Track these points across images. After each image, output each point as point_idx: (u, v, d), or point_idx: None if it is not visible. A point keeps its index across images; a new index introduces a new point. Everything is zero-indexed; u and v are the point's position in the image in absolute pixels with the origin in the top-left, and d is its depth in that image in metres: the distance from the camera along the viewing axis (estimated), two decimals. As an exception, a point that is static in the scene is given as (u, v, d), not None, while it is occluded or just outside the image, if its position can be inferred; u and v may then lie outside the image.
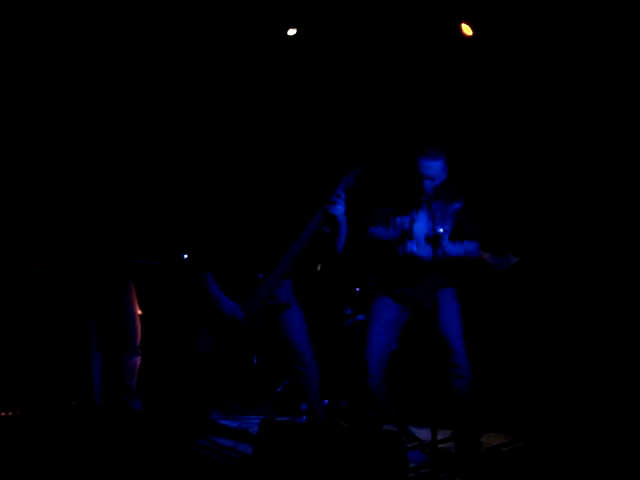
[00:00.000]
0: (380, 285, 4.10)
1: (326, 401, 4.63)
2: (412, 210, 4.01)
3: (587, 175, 4.85)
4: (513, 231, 4.67)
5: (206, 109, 5.42)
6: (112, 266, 4.51)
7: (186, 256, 5.15)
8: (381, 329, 4.05)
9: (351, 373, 4.84)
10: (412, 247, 3.94)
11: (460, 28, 4.95)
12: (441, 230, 3.77)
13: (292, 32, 5.05)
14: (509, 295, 4.77)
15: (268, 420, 4.06)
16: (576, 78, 4.88)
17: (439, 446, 3.78)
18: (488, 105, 5.21)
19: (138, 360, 4.56)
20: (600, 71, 4.80)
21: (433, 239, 3.74)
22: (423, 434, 4.41)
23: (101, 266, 4.50)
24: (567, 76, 4.90)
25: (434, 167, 3.88)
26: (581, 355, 4.65)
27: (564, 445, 4.23)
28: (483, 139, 5.19)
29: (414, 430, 4.57)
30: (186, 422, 4.21)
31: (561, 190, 4.92)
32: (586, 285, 4.79)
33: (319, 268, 4.99)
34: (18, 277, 4.61)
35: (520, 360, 4.77)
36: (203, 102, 5.40)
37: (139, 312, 4.58)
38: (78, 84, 5.04)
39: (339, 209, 3.74)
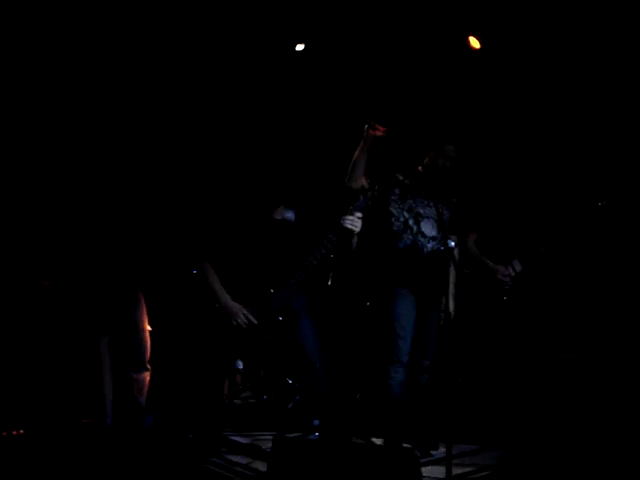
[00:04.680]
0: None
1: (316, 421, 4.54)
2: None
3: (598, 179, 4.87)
4: (519, 236, 4.68)
5: (220, 126, 5.43)
6: (121, 282, 4.50)
7: (196, 272, 5.14)
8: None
9: (365, 385, 4.83)
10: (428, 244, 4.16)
11: (468, 41, 5.00)
12: (453, 244, 3.79)
13: (300, 47, 5.07)
14: (516, 303, 4.73)
15: (281, 436, 4.06)
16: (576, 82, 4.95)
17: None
18: (492, 108, 5.27)
19: (147, 376, 4.54)
20: (601, 74, 4.86)
21: (445, 252, 3.75)
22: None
23: (110, 282, 4.49)
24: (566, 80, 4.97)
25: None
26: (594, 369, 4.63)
27: (574, 458, 4.21)
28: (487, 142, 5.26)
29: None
30: (198, 439, 4.18)
31: (573, 192, 4.91)
32: (599, 292, 4.78)
33: (330, 283, 4.98)
34: (27, 295, 4.59)
35: (526, 371, 4.75)
36: (215, 119, 5.41)
37: (149, 328, 4.56)
38: (102, 104, 5.05)
39: (357, 226, 3.78)
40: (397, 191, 4.18)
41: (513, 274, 4.53)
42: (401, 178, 4.21)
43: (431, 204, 4.21)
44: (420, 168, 4.31)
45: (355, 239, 3.91)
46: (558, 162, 5.10)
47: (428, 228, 4.20)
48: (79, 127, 5.00)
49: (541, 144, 5.19)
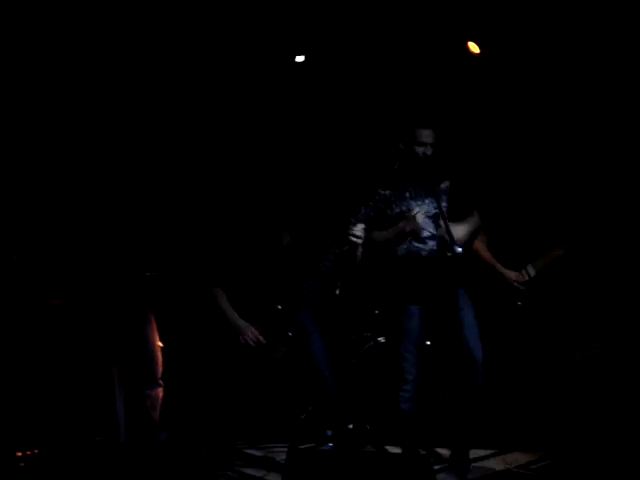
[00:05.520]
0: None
1: (350, 425, 4.57)
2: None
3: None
4: (533, 240, 4.66)
5: (226, 134, 5.45)
6: (131, 299, 4.51)
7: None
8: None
9: (373, 396, 4.82)
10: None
11: (467, 46, 5.01)
12: (460, 250, 3.75)
13: (300, 59, 5.08)
14: (532, 308, 4.71)
15: (295, 448, 4.05)
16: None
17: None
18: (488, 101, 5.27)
19: (160, 392, 4.53)
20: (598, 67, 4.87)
21: (454, 259, 3.73)
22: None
23: (119, 299, 4.49)
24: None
25: (429, 134, 4.05)
26: (605, 369, 4.61)
27: (590, 460, 4.19)
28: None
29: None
30: (212, 452, 4.18)
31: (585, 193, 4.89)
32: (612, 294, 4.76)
33: (338, 292, 4.98)
34: (37, 314, 4.61)
35: (545, 375, 4.73)
36: (223, 127, 5.43)
37: (160, 344, 4.57)
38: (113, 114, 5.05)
39: (361, 237, 3.79)
40: (382, 206, 4.00)
41: (527, 279, 4.50)
42: (382, 192, 4.04)
43: (419, 202, 4.11)
44: (396, 166, 4.20)
45: (360, 250, 3.90)
46: (565, 163, 5.07)
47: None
48: (87, 141, 5.00)
49: (547, 141, 5.15)
